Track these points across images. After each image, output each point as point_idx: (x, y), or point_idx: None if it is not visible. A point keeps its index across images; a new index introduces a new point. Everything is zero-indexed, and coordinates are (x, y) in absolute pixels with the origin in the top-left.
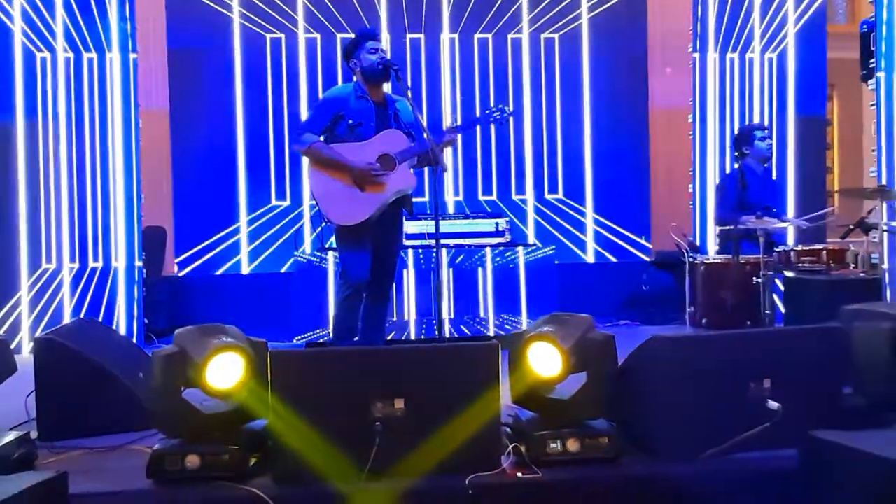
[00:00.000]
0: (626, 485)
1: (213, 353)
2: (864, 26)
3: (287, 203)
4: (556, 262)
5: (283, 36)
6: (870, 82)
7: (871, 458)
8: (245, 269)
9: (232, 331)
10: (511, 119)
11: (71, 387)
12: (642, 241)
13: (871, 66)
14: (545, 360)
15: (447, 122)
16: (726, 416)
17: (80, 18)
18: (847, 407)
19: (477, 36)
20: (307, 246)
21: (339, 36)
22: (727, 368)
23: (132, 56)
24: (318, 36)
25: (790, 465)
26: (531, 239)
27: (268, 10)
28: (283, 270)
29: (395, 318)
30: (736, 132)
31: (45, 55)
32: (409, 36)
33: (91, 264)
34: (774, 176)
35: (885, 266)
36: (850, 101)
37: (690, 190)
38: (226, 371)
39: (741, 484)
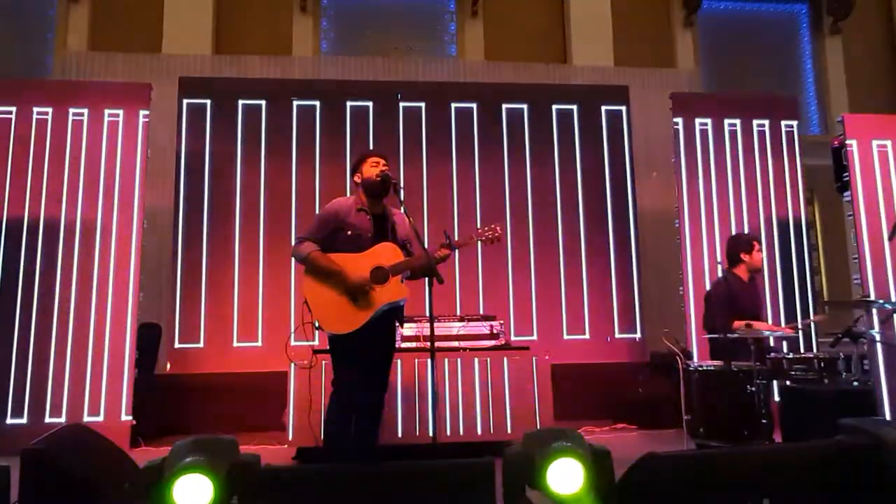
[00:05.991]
0: None
1: (177, 473)
2: (835, 142)
3: (285, 306)
4: (552, 363)
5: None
6: (845, 194)
7: None
8: (240, 368)
9: (225, 444)
10: (502, 238)
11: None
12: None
13: (845, 178)
14: (566, 478)
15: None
16: None
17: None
18: None
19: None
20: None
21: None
22: (726, 488)
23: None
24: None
25: None
26: (525, 341)
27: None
28: (278, 370)
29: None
30: (734, 236)
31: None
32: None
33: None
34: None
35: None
36: (829, 205)
37: (681, 292)
38: (194, 493)
39: None
